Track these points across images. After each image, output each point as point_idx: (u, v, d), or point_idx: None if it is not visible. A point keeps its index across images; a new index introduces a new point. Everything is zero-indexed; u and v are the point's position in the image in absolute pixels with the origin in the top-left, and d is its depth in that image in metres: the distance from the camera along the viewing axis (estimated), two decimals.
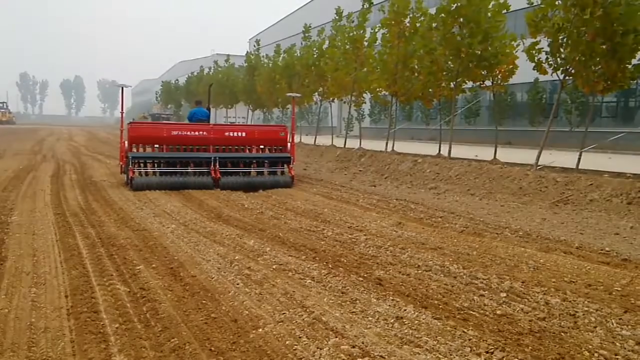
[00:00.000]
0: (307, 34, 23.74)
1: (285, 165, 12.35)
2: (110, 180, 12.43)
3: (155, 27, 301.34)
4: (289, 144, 12.63)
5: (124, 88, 12.53)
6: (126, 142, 11.53)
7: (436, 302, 4.51)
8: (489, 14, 13.10)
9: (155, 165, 11.57)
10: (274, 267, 5.47)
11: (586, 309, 4.35)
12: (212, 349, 3.59)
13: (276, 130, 13.04)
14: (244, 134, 12.40)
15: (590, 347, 3.67)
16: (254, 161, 12.28)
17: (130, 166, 11.07)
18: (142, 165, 11.42)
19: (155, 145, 11.95)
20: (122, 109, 12.98)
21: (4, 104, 73.48)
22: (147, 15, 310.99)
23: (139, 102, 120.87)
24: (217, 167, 11.53)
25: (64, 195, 10.18)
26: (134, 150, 11.51)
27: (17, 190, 10.43)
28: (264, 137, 12.75)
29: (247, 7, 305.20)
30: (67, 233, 6.92)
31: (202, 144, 11.91)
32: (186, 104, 50.93)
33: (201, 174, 11.47)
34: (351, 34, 18.95)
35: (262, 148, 12.68)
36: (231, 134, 12.31)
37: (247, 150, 12.52)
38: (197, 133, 11.91)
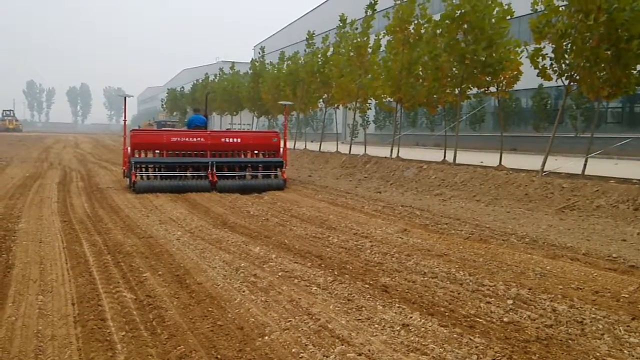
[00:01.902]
0: (310, 41, 23.82)
1: (278, 169, 12.92)
2: (116, 188, 12.48)
3: (160, 35, 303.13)
4: (281, 149, 13.28)
5: (127, 98, 13.37)
6: (129, 148, 12.19)
7: (442, 309, 4.50)
8: (493, 20, 13.12)
9: (156, 169, 12.11)
10: (279, 274, 5.47)
11: (593, 316, 4.33)
12: (219, 356, 3.59)
13: (269, 136, 13.72)
14: (239, 140, 13.10)
15: (598, 354, 3.65)
16: (249, 165, 12.96)
17: (133, 171, 11.67)
18: (144, 169, 11.99)
19: (156, 151, 12.50)
20: (125, 118, 13.65)
21: (11, 111, 74.01)
22: (151, 23, 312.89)
23: (145, 109, 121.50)
24: (214, 171, 12.14)
25: (70, 202, 10.23)
26: (136, 155, 12.19)
27: (24, 198, 10.49)
28: (258, 143, 13.49)
29: (251, 15, 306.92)
30: (73, 240, 6.95)
31: (200, 149, 12.60)
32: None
33: (199, 178, 12.09)
34: (355, 41, 19.01)
35: (256, 153, 13.36)
36: (227, 139, 12.99)
37: (242, 155, 13.18)
38: (195, 139, 12.62)
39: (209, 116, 18.19)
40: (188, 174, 12.09)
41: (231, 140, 12.98)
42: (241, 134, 14.15)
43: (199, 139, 12.63)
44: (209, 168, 12.13)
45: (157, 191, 11.37)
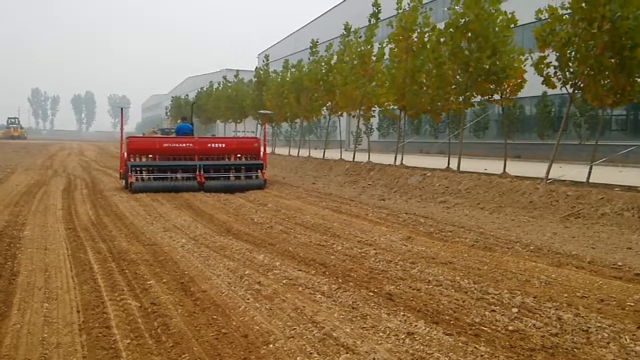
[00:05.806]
0: (314, 49, 23.91)
1: (259, 171, 14.51)
2: (120, 195, 12.52)
3: (165, 43, 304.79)
4: (261, 153, 14.90)
5: (124, 108, 15.65)
6: (125, 154, 13.58)
7: (447, 317, 4.49)
8: (497, 29, 13.13)
9: (150, 172, 13.44)
10: (284, 281, 5.47)
11: (599, 324, 4.31)
12: None
13: (251, 142, 15.54)
14: (223, 145, 14.78)
15: None
16: (233, 167, 14.31)
17: (130, 173, 12.99)
18: (139, 172, 13.25)
19: (150, 155, 13.87)
20: (122, 126, 15.16)
21: (16, 119, 74.39)
22: (156, 31, 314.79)
23: (149, 117, 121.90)
24: (202, 173, 13.63)
25: (75, 209, 10.26)
26: (132, 160, 13.50)
27: (28, 205, 10.53)
28: (240, 147, 15.08)
29: (256, 23, 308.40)
30: (78, 248, 6.97)
31: (189, 153, 14.09)
32: (195, 119, 51.20)
33: (188, 179, 13.57)
34: (359, 49, 19.08)
35: (239, 157, 14.79)
36: (213, 145, 14.70)
37: (227, 159, 14.58)
38: (184, 145, 14.24)
39: (199, 125, 20.62)
40: (178, 175, 13.57)
41: (216, 145, 14.66)
42: (225, 140, 15.80)
43: (188, 144, 14.22)
44: (197, 170, 13.60)
45: (151, 191, 12.60)
